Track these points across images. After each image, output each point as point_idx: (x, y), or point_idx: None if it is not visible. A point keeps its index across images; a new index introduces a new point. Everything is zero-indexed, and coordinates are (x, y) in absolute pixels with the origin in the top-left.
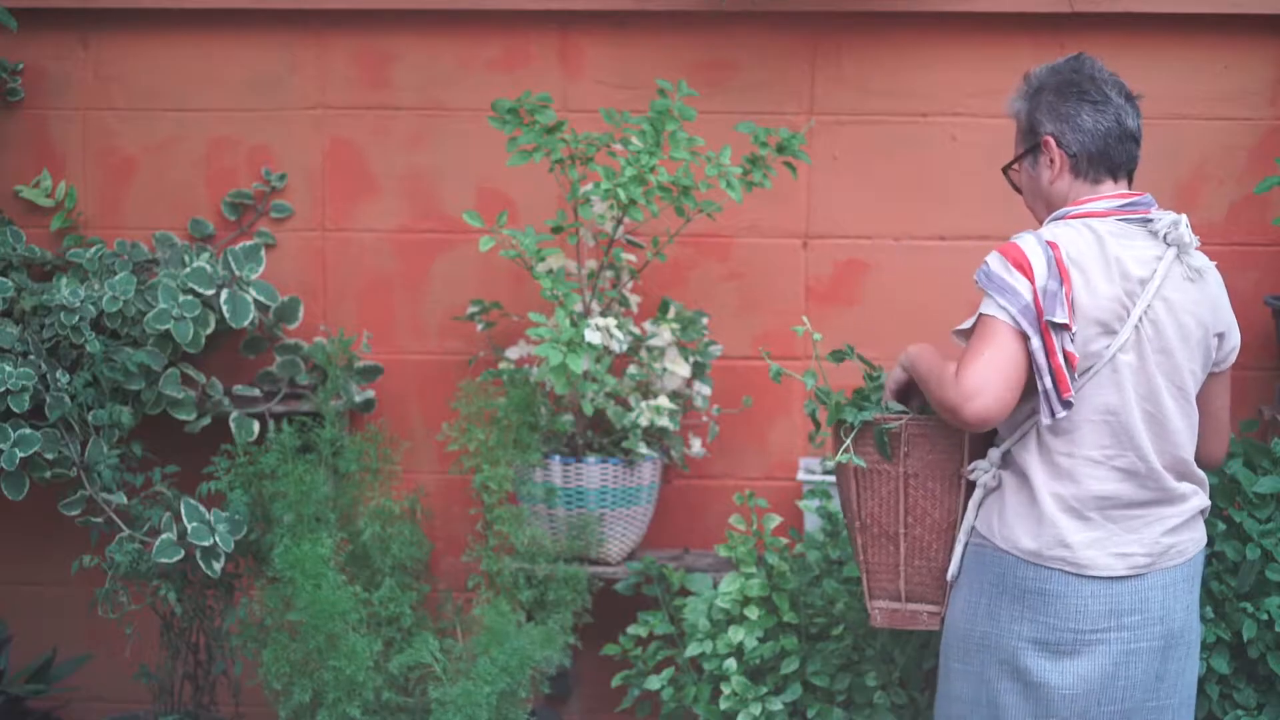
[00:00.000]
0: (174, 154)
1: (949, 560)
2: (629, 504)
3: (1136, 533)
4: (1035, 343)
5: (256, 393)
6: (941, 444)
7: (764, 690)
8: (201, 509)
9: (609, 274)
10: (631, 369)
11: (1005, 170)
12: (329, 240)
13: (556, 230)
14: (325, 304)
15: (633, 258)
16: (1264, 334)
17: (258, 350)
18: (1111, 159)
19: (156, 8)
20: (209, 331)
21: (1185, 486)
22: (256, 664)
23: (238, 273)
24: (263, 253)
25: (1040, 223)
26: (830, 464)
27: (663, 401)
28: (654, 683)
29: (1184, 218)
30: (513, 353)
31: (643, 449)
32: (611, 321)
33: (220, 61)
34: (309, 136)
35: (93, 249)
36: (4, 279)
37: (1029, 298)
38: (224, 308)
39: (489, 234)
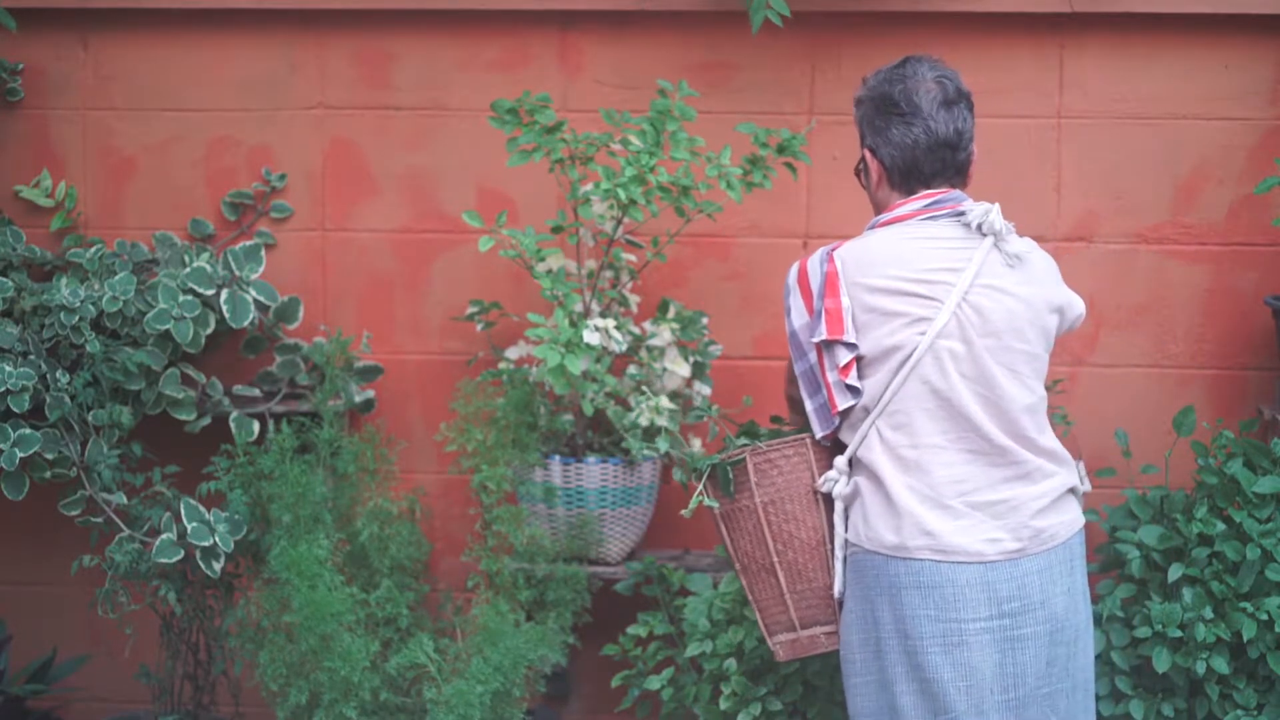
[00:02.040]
0: (174, 154)
1: (830, 578)
2: (629, 504)
3: (1002, 518)
4: (811, 360)
5: (256, 393)
6: (789, 465)
7: (764, 690)
8: (201, 509)
9: (609, 274)
10: (631, 369)
11: (856, 172)
12: (329, 240)
13: (556, 230)
14: (325, 304)
15: (633, 258)
16: (1264, 334)
17: (258, 350)
18: (921, 170)
19: (156, 8)
20: (209, 331)
21: (1043, 463)
22: (256, 664)
23: (238, 273)
24: (263, 253)
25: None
26: (687, 511)
27: (663, 401)
28: (654, 683)
29: (995, 207)
30: (512, 353)
31: (643, 449)
32: (610, 322)
33: (220, 61)
34: (309, 136)
35: (93, 249)
36: (4, 279)
37: (804, 319)
38: (224, 308)
39: (489, 234)
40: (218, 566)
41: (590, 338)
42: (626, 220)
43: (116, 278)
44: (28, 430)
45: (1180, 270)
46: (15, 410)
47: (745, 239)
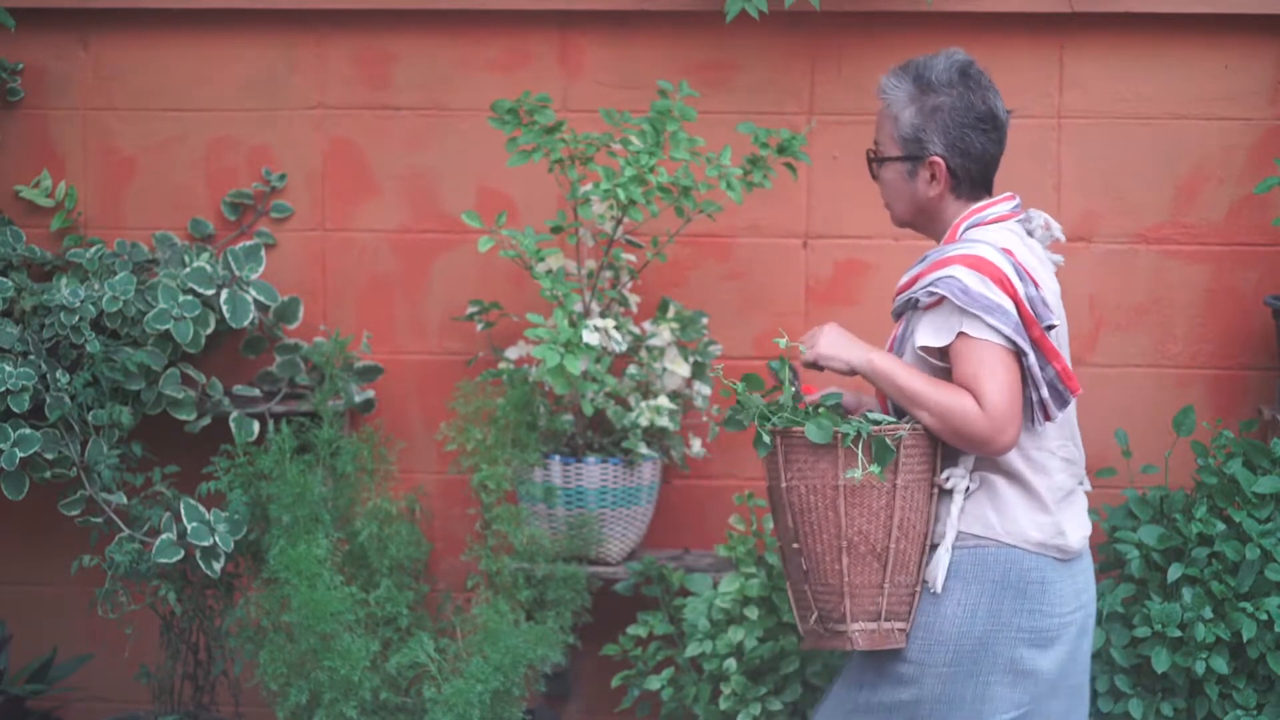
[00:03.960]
0: (174, 154)
1: (919, 573)
2: (629, 504)
3: (1081, 514)
4: (1031, 359)
5: (256, 393)
6: (927, 454)
7: (764, 690)
8: (201, 509)
9: (608, 274)
10: (631, 369)
11: (872, 158)
12: (329, 240)
13: (556, 230)
14: (325, 304)
15: (632, 258)
16: (1264, 334)
17: (258, 350)
18: (989, 178)
19: (156, 8)
20: (209, 331)
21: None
22: (255, 664)
23: (238, 273)
24: (263, 253)
25: (897, 218)
26: (855, 476)
27: (663, 401)
28: (654, 683)
29: (1047, 215)
30: (512, 353)
31: (643, 449)
32: (610, 322)
33: (220, 61)
34: (309, 136)
35: (93, 249)
36: (4, 279)
37: (1016, 313)
38: (224, 308)
39: (489, 234)
40: (218, 566)
41: (590, 338)
42: (626, 220)
43: (116, 278)
44: (28, 430)
45: (1180, 270)
46: (15, 410)
47: (745, 239)
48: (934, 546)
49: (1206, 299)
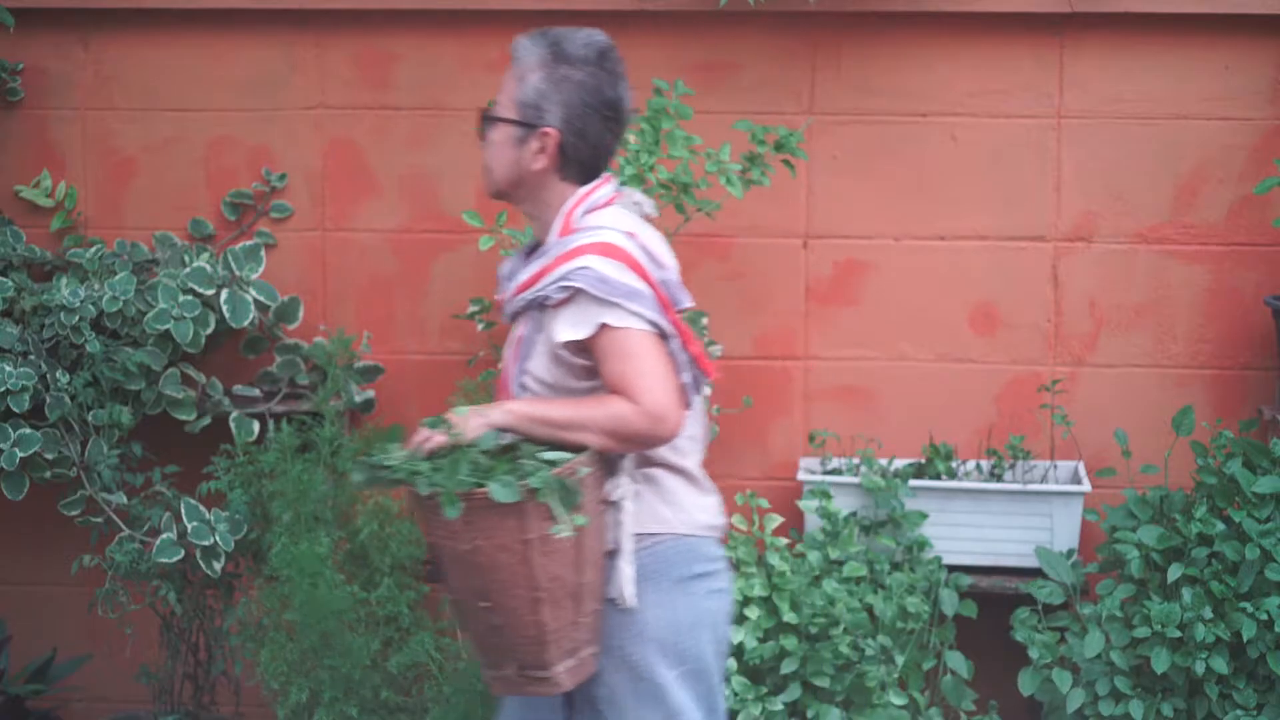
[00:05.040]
0: (174, 154)
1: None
2: None
3: (715, 492)
4: (675, 342)
5: (256, 393)
6: (597, 477)
7: (764, 690)
8: (201, 509)
9: None
10: None
11: (486, 115)
12: (329, 240)
13: None
14: (325, 304)
15: None
16: (1264, 334)
17: (258, 350)
18: (598, 169)
19: (156, 8)
20: (209, 331)
21: None
22: (256, 663)
23: (238, 273)
24: (263, 253)
25: (492, 184)
26: (564, 533)
27: None
28: None
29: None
30: None
31: None
32: None
33: (220, 61)
34: (309, 136)
35: (93, 249)
36: (4, 279)
37: (653, 296)
38: (224, 308)
39: (489, 233)
40: (218, 566)
41: None
42: None
43: (116, 278)
44: (28, 430)
45: (1180, 270)
46: (15, 410)
47: (745, 239)
48: (610, 555)
49: (1206, 299)
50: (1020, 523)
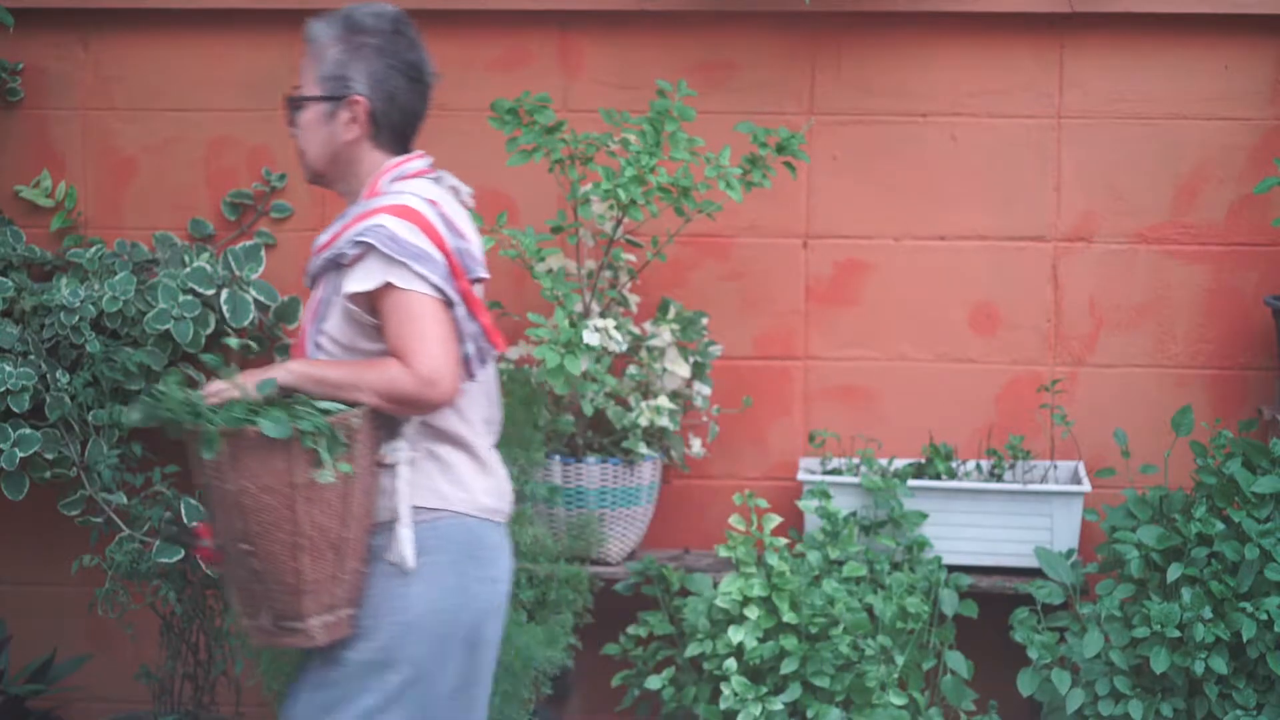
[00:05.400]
0: (174, 154)
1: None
2: (629, 504)
3: (505, 476)
4: (459, 310)
5: None
6: (372, 435)
7: (764, 690)
8: (202, 509)
9: (608, 274)
10: (631, 369)
11: (292, 101)
12: None
13: (556, 230)
14: None
15: (632, 258)
16: (1264, 334)
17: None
18: (410, 135)
19: (156, 8)
20: (209, 331)
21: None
22: (256, 663)
23: (238, 273)
24: (263, 253)
25: (310, 167)
26: (326, 477)
27: (663, 401)
28: (654, 683)
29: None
30: (513, 353)
31: (643, 449)
32: (610, 322)
33: (220, 61)
34: None
35: (93, 249)
36: (4, 279)
37: (444, 262)
38: (224, 308)
39: (489, 234)
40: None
41: (590, 338)
42: (626, 220)
43: (116, 278)
44: (28, 430)
45: (1180, 270)
46: (15, 410)
47: (745, 239)
48: (389, 524)
49: (1206, 299)
50: (1020, 523)
